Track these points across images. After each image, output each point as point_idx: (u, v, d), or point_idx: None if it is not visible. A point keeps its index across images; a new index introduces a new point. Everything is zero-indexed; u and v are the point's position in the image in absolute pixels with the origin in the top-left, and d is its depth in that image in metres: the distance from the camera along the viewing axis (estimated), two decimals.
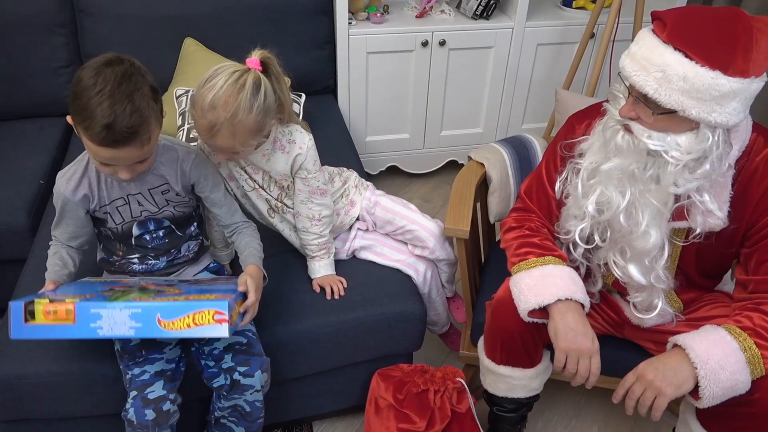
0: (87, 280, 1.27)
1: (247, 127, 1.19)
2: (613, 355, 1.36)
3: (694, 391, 1.07)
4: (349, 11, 2.15)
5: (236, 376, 1.23)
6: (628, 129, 1.06)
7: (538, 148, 1.66)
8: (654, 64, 0.96)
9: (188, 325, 1.05)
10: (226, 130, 1.17)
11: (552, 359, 1.36)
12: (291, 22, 2.12)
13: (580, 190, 1.16)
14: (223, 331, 1.05)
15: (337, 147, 1.97)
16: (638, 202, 1.09)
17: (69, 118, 1.09)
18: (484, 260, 1.71)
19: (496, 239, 1.76)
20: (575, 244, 1.21)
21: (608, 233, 1.16)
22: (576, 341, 1.12)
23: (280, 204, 1.43)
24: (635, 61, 1.00)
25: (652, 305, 1.20)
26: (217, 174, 1.33)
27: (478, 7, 2.27)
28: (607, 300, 1.32)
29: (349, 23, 2.17)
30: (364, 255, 1.51)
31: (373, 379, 1.44)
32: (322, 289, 1.40)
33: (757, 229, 1.11)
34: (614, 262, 1.18)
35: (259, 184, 1.39)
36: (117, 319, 1.04)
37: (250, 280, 1.19)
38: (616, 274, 1.19)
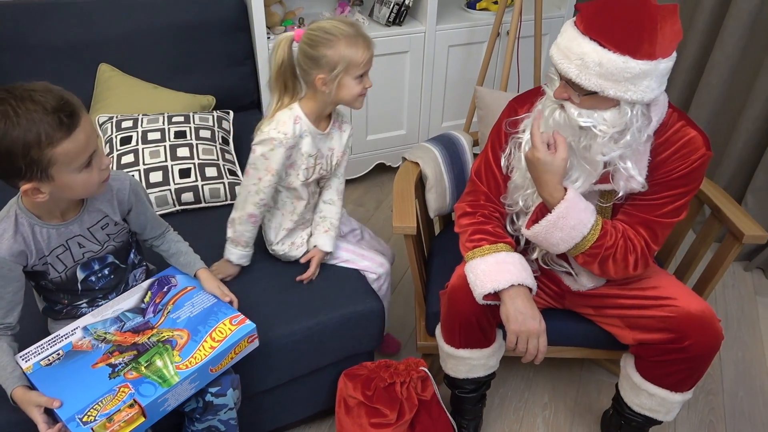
0: (69, 360, 1.16)
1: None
2: (557, 326, 1.48)
3: None
4: (266, 27, 2.17)
5: (208, 397, 1.24)
6: (562, 107, 1.18)
7: (465, 143, 1.77)
8: (574, 53, 1.09)
9: (231, 358, 1.23)
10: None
11: (504, 337, 1.47)
12: (209, 41, 2.11)
13: (523, 162, 1.26)
14: (256, 344, 1.27)
15: None
16: (575, 168, 1.22)
17: (24, 187, 1.01)
18: (427, 254, 1.80)
19: (437, 233, 1.86)
20: (518, 215, 1.32)
21: None
22: (525, 324, 1.24)
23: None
24: (560, 51, 1.12)
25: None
26: (147, 196, 1.32)
27: (390, 14, 2.36)
28: (547, 274, 1.44)
29: (268, 38, 2.19)
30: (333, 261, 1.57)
31: (340, 380, 1.49)
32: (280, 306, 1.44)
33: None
34: None
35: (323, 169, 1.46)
36: (180, 391, 1.14)
37: (221, 285, 1.30)
38: None
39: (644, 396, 1.36)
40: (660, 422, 1.42)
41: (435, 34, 2.41)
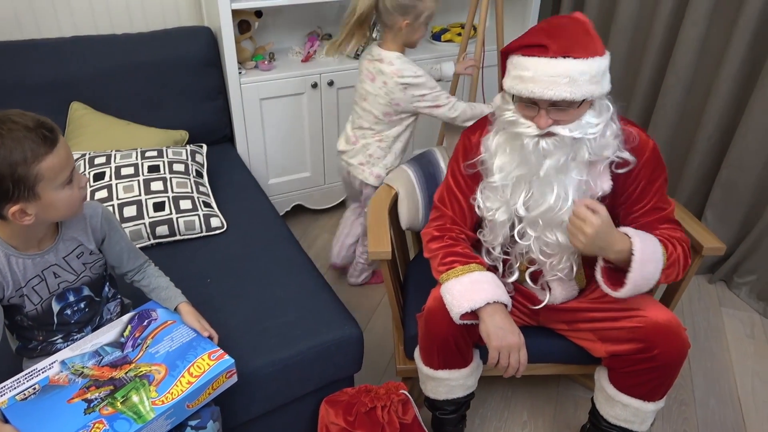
0: (44, 395, 1.15)
1: None
2: (532, 343, 1.50)
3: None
4: (238, 62, 2.22)
5: (188, 431, 1.23)
6: (548, 135, 1.23)
7: (438, 155, 1.83)
8: (558, 75, 1.15)
9: (209, 393, 1.21)
10: None
11: (481, 357, 1.50)
12: (181, 77, 2.15)
13: (508, 197, 1.32)
14: (234, 379, 1.26)
15: (245, 192, 2.01)
16: (564, 184, 1.27)
17: (11, 210, 1.02)
18: (403, 279, 1.83)
19: (411, 258, 1.90)
20: (494, 247, 1.38)
21: (539, 223, 1.31)
22: (506, 338, 1.27)
23: None
24: (538, 83, 1.17)
25: (570, 270, 1.38)
26: (120, 223, 1.33)
27: (358, 48, 2.43)
28: (521, 292, 1.48)
29: (239, 73, 2.23)
30: None
31: (321, 407, 1.49)
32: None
33: (629, 197, 1.33)
34: (545, 243, 1.33)
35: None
36: (156, 427, 1.13)
37: (202, 320, 1.28)
38: (538, 256, 1.35)
39: (619, 407, 1.40)
40: None
41: None
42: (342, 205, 2.74)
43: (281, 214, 2.55)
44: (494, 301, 1.29)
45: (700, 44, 2.20)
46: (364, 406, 1.45)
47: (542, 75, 1.16)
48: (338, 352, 1.45)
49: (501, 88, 1.34)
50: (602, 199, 1.30)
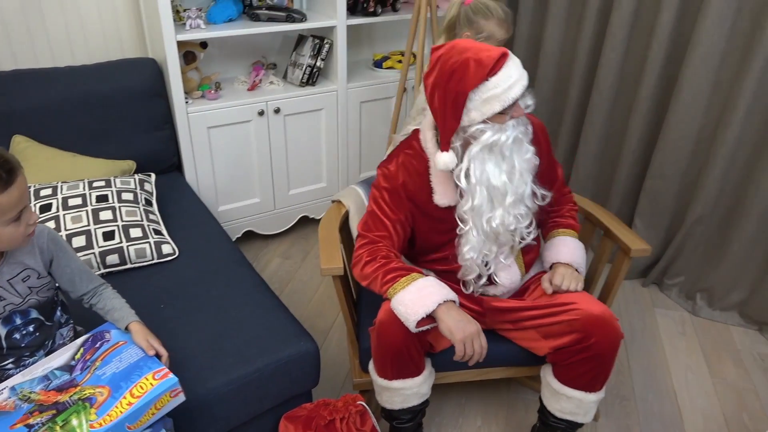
0: None
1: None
2: None
3: None
4: (184, 92, 2.25)
5: None
6: (501, 131, 1.36)
7: None
8: (512, 80, 1.30)
9: (153, 414, 1.19)
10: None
11: (434, 365, 1.57)
12: (127, 108, 2.16)
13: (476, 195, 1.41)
14: (181, 398, 1.24)
15: (196, 219, 2.03)
16: (521, 169, 1.41)
17: None
18: (356, 296, 1.88)
19: None
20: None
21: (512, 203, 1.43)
22: (467, 329, 1.35)
23: None
24: (520, 79, 1.31)
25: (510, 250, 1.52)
26: (70, 246, 1.34)
27: (303, 75, 2.51)
28: (466, 297, 1.57)
29: (186, 103, 2.27)
30: None
31: (281, 424, 1.51)
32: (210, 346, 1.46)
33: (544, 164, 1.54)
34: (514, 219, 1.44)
35: None
36: None
37: (151, 338, 1.27)
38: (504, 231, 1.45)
39: (564, 400, 1.49)
40: (581, 424, 1.54)
41: (347, 92, 2.58)
42: (292, 230, 2.78)
43: (232, 240, 2.57)
44: (444, 300, 1.36)
45: (620, 66, 2.40)
46: (323, 420, 1.48)
47: (519, 71, 1.32)
48: (295, 368, 1.49)
49: (448, 141, 1.39)
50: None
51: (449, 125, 1.34)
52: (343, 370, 2.04)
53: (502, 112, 1.33)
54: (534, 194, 1.46)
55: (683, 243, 2.38)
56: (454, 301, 1.40)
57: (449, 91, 1.31)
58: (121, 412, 1.15)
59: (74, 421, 1.13)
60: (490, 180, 1.38)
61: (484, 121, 1.33)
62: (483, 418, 1.87)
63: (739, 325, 2.31)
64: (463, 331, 1.35)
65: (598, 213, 1.80)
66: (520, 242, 1.49)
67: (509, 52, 1.33)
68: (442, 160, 1.38)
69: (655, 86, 2.30)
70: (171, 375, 1.23)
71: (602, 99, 2.47)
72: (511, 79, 1.30)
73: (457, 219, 1.45)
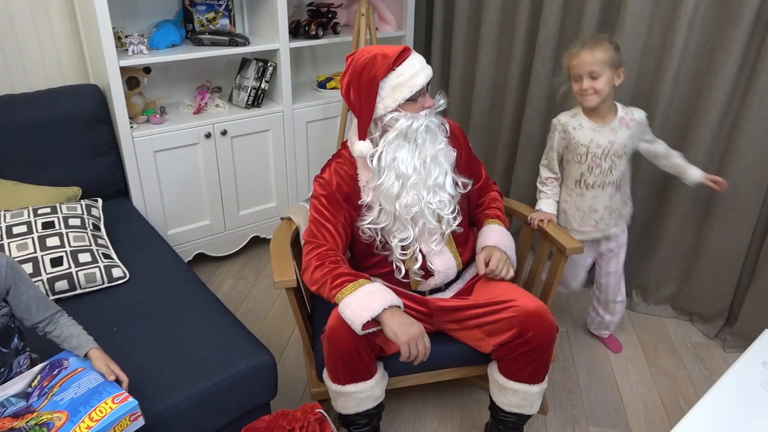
0: None
1: (605, 50, 1.76)
2: (433, 350, 1.65)
3: None
4: (129, 117, 2.26)
5: None
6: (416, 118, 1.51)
7: None
8: (417, 67, 1.48)
9: None
10: (590, 45, 1.77)
11: (386, 368, 1.63)
12: (70, 134, 2.15)
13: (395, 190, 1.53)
14: (141, 422, 1.25)
15: (145, 242, 2.03)
16: (435, 156, 1.54)
17: None
18: (311, 310, 1.92)
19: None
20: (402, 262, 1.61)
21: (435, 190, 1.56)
22: (410, 331, 1.44)
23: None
24: (424, 69, 1.49)
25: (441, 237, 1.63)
26: (27, 275, 1.34)
27: (248, 98, 2.56)
28: (413, 299, 1.64)
29: (131, 127, 2.27)
30: None
31: None
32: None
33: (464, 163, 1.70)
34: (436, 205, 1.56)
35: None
36: None
37: (111, 364, 1.28)
38: (428, 218, 1.56)
39: (510, 394, 1.57)
40: (529, 416, 1.63)
41: (292, 112, 2.64)
42: (244, 251, 2.80)
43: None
44: (389, 306, 1.44)
45: (549, 80, 2.56)
46: (283, 430, 1.51)
47: (422, 63, 1.49)
48: (253, 380, 1.51)
49: (365, 130, 1.54)
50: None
51: (365, 115, 1.50)
52: (301, 383, 2.06)
53: (413, 101, 1.49)
54: (456, 183, 1.60)
55: None
56: (399, 306, 1.48)
57: (362, 84, 1.48)
58: None
59: None
60: (400, 166, 1.51)
61: (397, 110, 1.48)
62: (439, 420, 1.94)
63: (671, 317, 2.47)
64: (406, 334, 1.43)
65: None
66: (447, 227, 1.61)
67: (411, 48, 1.52)
68: (357, 147, 1.54)
69: None
70: (131, 399, 1.25)
71: (535, 112, 2.62)
72: (414, 68, 1.48)
73: (362, 192, 1.58)
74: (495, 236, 1.69)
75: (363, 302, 1.44)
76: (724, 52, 2.01)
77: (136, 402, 1.25)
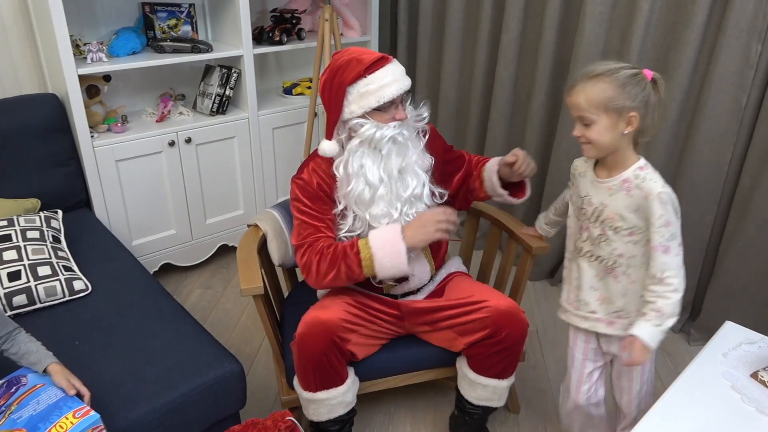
0: None
1: (601, 90, 1.24)
2: (405, 354, 1.67)
3: None
4: (89, 126, 2.21)
5: None
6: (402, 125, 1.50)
7: None
8: (402, 72, 1.49)
9: None
10: (581, 83, 1.27)
11: (357, 373, 1.62)
12: (27, 145, 2.09)
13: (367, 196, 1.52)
14: None
15: (108, 254, 1.98)
16: (412, 169, 1.54)
17: None
18: (280, 317, 1.90)
19: (285, 296, 1.98)
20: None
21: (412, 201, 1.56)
22: (429, 222, 1.49)
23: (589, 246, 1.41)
24: (397, 81, 1.46)
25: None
26: None
27: (212, 105, 2.53)
28: (385, 303, 1.63)
29: (92, 137, 2.22)
30: None
31: None
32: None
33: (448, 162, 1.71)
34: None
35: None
36: None
37: (72, 378, 1.25)
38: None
39: (480, 388, 1.59)
40: (495, 408, 1.67)
41: (258, 119, 2.62)
42: (212, 260, 2.76)
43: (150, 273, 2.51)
44: (394, 231, 1.48)
45: (513, 83, 2.60)
46: None
47: (398, 74, 1.46)
48: (220, 390, 1.49)
49: (332, 130, 1.55)
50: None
51: (333, 116, 1.50)
52: (272, 392, 2.04)
53: (383, 111, 1.47)
54: (432, 194, 1.59)
55: None
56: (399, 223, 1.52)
57: (334, 85, 1.48)
58: None
59: None
60: (367, 174, 1.50)
61: (364, 116, 1.47)
62: (412, 423, 1.93)
63: None
64: (429, 233, 1.48)
65: (504, 218, 1.93)
66: None
67: (391, 58, 1.49)
68: (323, 146, 1.54)
69: (545, 99, 2.51)
70: (93, 412, 1.22)
71: (500, 115, 2.65)
72: (386, 79, 1.45)
73: (337, 201, 1.57)
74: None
75: (383, 246, 1.46)
76: (679, 53, 2.07)
77: (98, 416, 1.22)
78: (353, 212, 1.55)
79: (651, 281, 1.28)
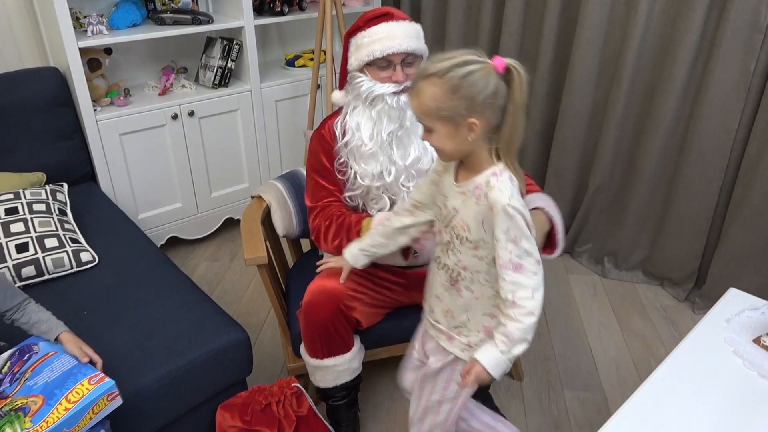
0: None
1: (430, 97, 1.05)
2: (409, 322, 1.67)
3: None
4: (92, 99, 2.21)
5: None
6: (403, 91, 1.46)
7: (304, 171, 1.96)
8: (406, 32, 1.44)
9: (90, 418, 1.20)
10: (417, 85, 1.08)
11: (362, 342, 1.63)
12: (31, 119, 2.09)
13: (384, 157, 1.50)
14: (118, 402, 1.24)
15: (115, 226, 2.00)
16: (411, 139, 1.51)
17: None
18: (285, 287, 1.92)
19: (291, 266, 1.99)
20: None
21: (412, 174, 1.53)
22: None
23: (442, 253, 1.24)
24: (394, 39, 1.42)
25: None
26: None
27: (215, 77, 2.52)
28: (392, 271, 1.63)
29: (95, 110, 2.22)
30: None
31: (218, 414, 1.53)
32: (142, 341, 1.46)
33: None
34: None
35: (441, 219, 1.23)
36: None
37: (84, 346, 1.27)
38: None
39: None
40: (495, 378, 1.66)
41: (261, 91, 2.61)
42: (218, 233, 2.77)
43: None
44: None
45: (517, 52, 2.56)
46: (259, 404, 1.52)
47: (395, 33, 1.43)
48: (227, 357, 1.51)
49: (343, 77, 1.58)
50: None
51: (343, 68, 1.54)
52: (279, 362, 2.07)
53: (380, 68, 1.46)
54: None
55: (588, 212, 2.57)
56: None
57: (345, 36, 1.54)
58: (58, 417, 1.15)
59: (8, 431, 1.12)
60: (362, 131, 1.50)
61: (362, 71, 1.48)
62: None
63: (643, 282, 2.53)
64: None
65: None
66: None
67: (400, 16, 1.47)
68: (333, 95, 1.57)
69: (550, 68, 2.48)
70: (107, 379, 1.24)
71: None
72: (380, 34, 1.44)
73: (335, 154, 1.56)
74: (540, 199, 1.46)
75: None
76: (687, 18, 2.03)
77: (113, 382, 1.24)
78: (351, 168, 1.55)
79: (503, 304, 1.12)
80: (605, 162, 2.41)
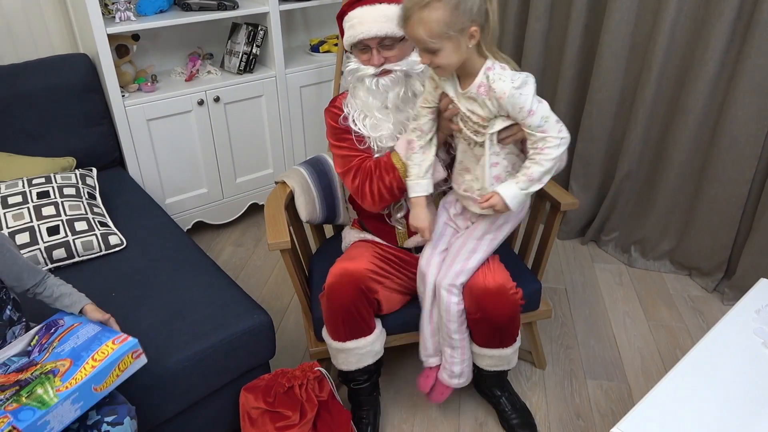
0: None
1: (437, 19, 1.19)
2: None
3: None
4: (120, 86, 2.24)
5: (105, 427, 1.25)
6: (384, 74, 1.46)
7: (329, 159, 1.96)
8: (380, 16, 1.40)
9: (117, 376, 1.23)
10: (415, 15, 1.21)
11: (384, 325, 1.64)
12: (62, 105, 2.14)
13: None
14: (143, 360, 1.28)
15: (143, 211, 2.03)
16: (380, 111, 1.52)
17: None
18: (308, 272, 1.93)
19: (314, 252, 2.01)
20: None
21: None
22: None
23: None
24: (365, 24, 1.41)
25: None
26: (13, 245, 1.35)
27: (240, 63, 2.53)
28: (409, 256, 1.64)
29: (123, 96, 2.26)
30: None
31: (241, 395, 1.56)
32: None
33: None
34: None
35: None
36: (63, 412, 1.14)
37: (109, 319, 1.32)
38: None
39: (487, 358, 1.61)
40: (509, 369, 1.70)
41: (285, 77, 2.61)
42: (243, 218, 2.80)
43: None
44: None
45: (544, 36, 2.52)
46: (282, 387, 1.54)
47: (368, 18, 1.41)
48: (250, 340, 1.53)
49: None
50: None
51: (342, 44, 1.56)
52: (302, 347, 2.09)
53: (362, 51, 1.47)
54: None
55: (615, 200, 2.53)
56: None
57: (337, 21, 1.54)
58: (84, 375, 1.18)
59: (39, 390, 1.15)
60: (361, 108, 1.54)
61: (350, 51, 1.50)
62: None
63: (670, 272, 2.48)
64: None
65: None
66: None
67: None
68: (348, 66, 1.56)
69: (578, 53, 2.43)
70: (131, 338, 1.27)
71: (531, 69, 2.58)
72: (353, 20, 1.44)
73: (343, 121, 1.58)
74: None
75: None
76: (722, 0, 1.96)
77: (137, 340, 1.27)
78: (355, 122, 1.56)
79: (532, 150, 1.33)
80: (633, 149, 2.36)
